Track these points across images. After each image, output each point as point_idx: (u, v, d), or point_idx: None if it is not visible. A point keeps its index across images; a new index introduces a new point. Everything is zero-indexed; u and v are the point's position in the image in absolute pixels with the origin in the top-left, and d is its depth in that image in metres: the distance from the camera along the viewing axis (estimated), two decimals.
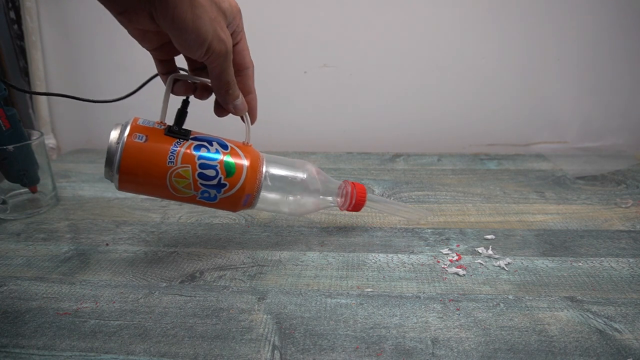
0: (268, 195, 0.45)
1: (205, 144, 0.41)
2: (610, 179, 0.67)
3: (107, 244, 0.50)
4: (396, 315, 0.38)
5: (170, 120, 0.42)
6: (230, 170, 0.41)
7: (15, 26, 0.80)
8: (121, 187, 0.41)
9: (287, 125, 0.85)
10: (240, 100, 0.42)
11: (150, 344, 0.35)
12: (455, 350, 0.34)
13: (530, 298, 0.40)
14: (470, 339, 0.35)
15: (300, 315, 0.39)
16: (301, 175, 0.46)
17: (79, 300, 0.41)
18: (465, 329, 0.37)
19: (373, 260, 0.47)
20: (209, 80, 0.40)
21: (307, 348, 0.35)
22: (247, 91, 0.43)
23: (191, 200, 0.42)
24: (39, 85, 0.82)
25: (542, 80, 0.80)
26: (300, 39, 0.79)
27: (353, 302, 0.40)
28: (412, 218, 0.54)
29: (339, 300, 0.40)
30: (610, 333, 0.36)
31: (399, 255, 0.47)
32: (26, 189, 0.59)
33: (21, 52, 0.81)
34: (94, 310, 0.40)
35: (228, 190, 0.42)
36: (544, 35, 0.77)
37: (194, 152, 0.41)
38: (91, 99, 0.50)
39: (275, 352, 0.34)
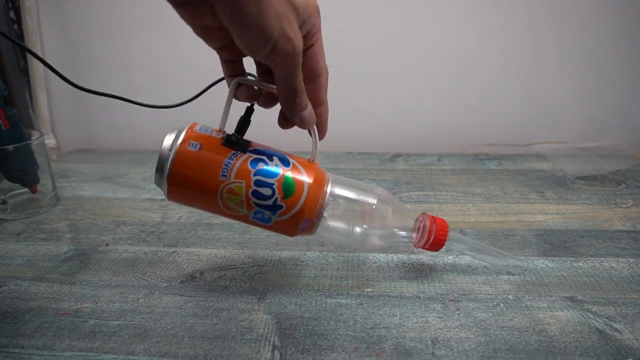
0: (331, 223, 0.39)
1: (265, 158, 0.37)
2: (610, 179, 0.67)
3: (107, 244, 0.50)
4: (396, 315, 0.38)
5: (231, 129, 0.38)
6: (288, 191, 0.36)
7: (15, 26, 0.80)
8: (170, 197, 0.37)
9: None
10: (309, 111, 0.36)
11: (150, 344, 0.35)
12: (455, 350, 0.34)
13: (530, 298, 0.40)
14: (470, 339, 0.35)
15: (300, 315, 0.39)
16: (372, 200, 0.39)
17: (79, 300, 0.41)
18: (465, 329, 0.37)
19: (373, 260, 0.47)
20: (275, 87, 0.35)
21: (307, 348, 0.35)
22: (318, 102, 0.38)
23: (243, 219, 0.38)
24: (38, 85, 0.82)
25: (542, 80, 0.80)
26: None
27: (353, 302, 0.40)
28: (502, 265, 0.45)
29: (339, 300, 0.40)
30: (610, 333, 0.36)
31: (399, 255, 0.47)
32: (26, 189, 0.59)
33: (21, 52, 0.81)
34: (94, 310, 0.39)
35: (284, 213, 0.37)
36: (544, 35, 0.77)
37: (250, 167, 0.36)
38: (148, 104, 0.44)
39: (275, 352, 0.34)
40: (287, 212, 0.37)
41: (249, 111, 0.38)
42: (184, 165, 0.36)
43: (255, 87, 0.38)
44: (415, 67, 0.80)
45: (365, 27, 0.78)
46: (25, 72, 0.82)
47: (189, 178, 0.36)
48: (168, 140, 0.36)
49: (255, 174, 0.36)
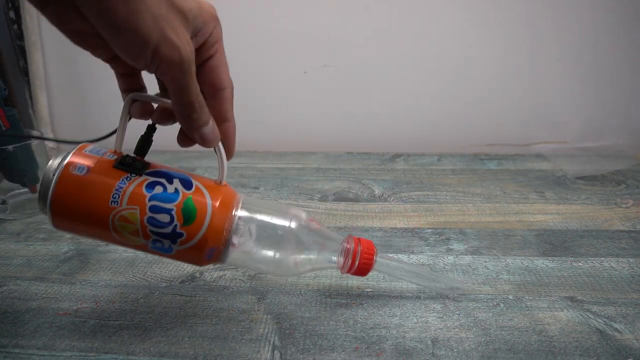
0: (243, 250, 0.35)
1: (163, 180, 0.33)
2: (610, 179, 0.67)
3: (107, 244, 0.50)
4: (396, 315, 0.38)
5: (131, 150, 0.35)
6: (189, 217, 0.32)
7: (15, 26, 0.80)
8: (56, 225, 0.33)
9: (287, 125, 0.85)
10: (210, 128, 0.33)
11: (150, 344, 0.35)
12: (455, 350, 0.34)
13: (530, 298, 0.40)
14: (470, 339, 0.35)
15: (300, 315, 0.39)
16: (287, 224, 0.36)
17: (79, 300, 0.41)
18: (465, 329, 0.37)
19: None
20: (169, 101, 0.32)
21: (307, 348, 0.35)
22: (223, 118, 0.35)
23: (142, 248, 0.34)
24: (38, 85, 0.82)
25: (542, 80, 0.80)
26: (300, 39, 0.79)
27: (353, 302, 0.40)
28: (438, 288, 0.41)
29: (339, 300, 0.40)
30: (610, 333, 0.36)
31: (399, 255, 0.47)
32: (26, 189, 0.59)
33: (21, 52, 0.81)
34: (94, 310, 0.39)
35: (185, 242, 0.33)
36: (545, 35, 0.77)
37: (145, 191, 0.32)
38: (66, 140, 0.42)
39: (275, 352, 0.34)
40: (189, 240, 0.33)
41: (150, 129, 0.35)
42: (68, 191, 0.32)
43: (151, 103, 0.34)
44: (415, 66, 0.80)
45: (365, 26, 0.78)
46: (25, 72, 0.82)
47: (74, 206, 0.32)
48: (52, 164, 0.33)
49: (151, 199, 0.32)
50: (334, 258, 0.38)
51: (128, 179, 0.32)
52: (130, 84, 0.34)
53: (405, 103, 0.82)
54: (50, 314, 0.39)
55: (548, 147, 0.84)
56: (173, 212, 0.32)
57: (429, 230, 0.53)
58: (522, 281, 0.43)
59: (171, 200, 0.32)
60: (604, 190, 0.63)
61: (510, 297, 0.40)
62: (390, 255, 0.40)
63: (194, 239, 0.33)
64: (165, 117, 0.34)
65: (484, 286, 0.42)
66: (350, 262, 0.37)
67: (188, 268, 0.45)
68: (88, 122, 0.89)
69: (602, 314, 0.38)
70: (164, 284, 0.43)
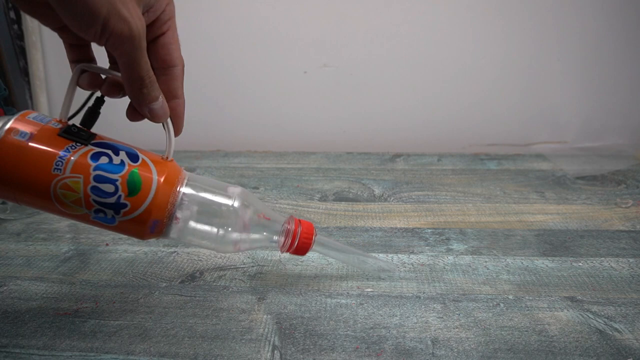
0: (186, 225, 0.36)
1: (109, 152, 0.33)
2: (610, 179, 0.67)
3: (107, 244, 0.50)
4: (396, 315, 0.38)
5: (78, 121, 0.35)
6: (134, 188, 0.33)
7: (15, 26, 0.80)
8: None
9: (287, 125, 0.85)
10: (159, 104, 0.33)
11: (150, 344, 0.35)
12: (455, 350, 0.34)
13: (530, 298, 0.40)
14: (470, 339, 0.35)
15: (300, 315, 0.39)
16: (229, 202, 0.37)
17: (79, 300, 0.41)
18: (465, 329, 0.37)
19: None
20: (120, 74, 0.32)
21: (307, 348, 0.35)
22: (172, 95, 0.35)
23: (83, 219, 0.34)
24: (38, 85, 0.82)
25: (542, 80, 0.80)
26: (300, 39, 0.79)
27: (353, 302, 0.40)
28: (370, 269, 0.44)
29: (339, 300, 0.40)
30: (610, 333, 0.36)
31: (399, 255, 0.47)
32: None
33: (21, 52, 0.81)
34: (94, 310, 0.40)
35: (129, 213, 0.33)
36: (545, 35, 0.77)
37: (90, 161, 0.32)
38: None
39: (275, 352, 0.35)
40: (132, 211, 0.33)
41: (99, 102, 0.35)
42: (8, 156, 0.31)
43: (100, 75, 0.34)
44: (415, 66, 0.80)
45: (366, 27, 0.78)
46: (25, 72, 0.82)
47: (15, 171, 0.31)
48: None
49: (95, 169, 0.32)
50: (275, 238, 0.40)
51: (73, 147, 0.32)
52: (79, 55, 0.34)
53: (405, 103, 0.82)
54: (50, 314, 0.39)
55: (548, 147, 0.84)
56: (118, 183, 0.32)
57: (429, 230, 0.53)
58: (522, 281, 0.43)
59: (117, 171, 0.33)
60: (604, 190, 0.63)
61: (510, 297, 0.40)
62: (330, 244, 0.42)
63: (138, 210, 0.33)
64: (115, 90, 0.34)
65: (484, 286, 0.42)
66: (290, 241, 0.39)
67: (188, 268, 0.45)
68: None
69: (602, 314, 0.38)
70: (164, 284, 0.43)
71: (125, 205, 0.33)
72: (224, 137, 0.85)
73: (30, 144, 0.31)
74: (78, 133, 0.33)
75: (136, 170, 0.33)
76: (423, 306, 0.39)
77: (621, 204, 0.59)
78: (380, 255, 0.47)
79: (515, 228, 0.53)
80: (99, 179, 0.32)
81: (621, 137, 0.83)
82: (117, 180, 0.32)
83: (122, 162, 0.33)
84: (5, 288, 0.43)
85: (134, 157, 0.34)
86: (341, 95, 0.83)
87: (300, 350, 0.35)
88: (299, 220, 0.40)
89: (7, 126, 0.31)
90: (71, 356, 0.34)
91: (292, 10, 0.78)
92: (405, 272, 0.45)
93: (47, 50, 0.82)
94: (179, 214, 0.35)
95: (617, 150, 0.81)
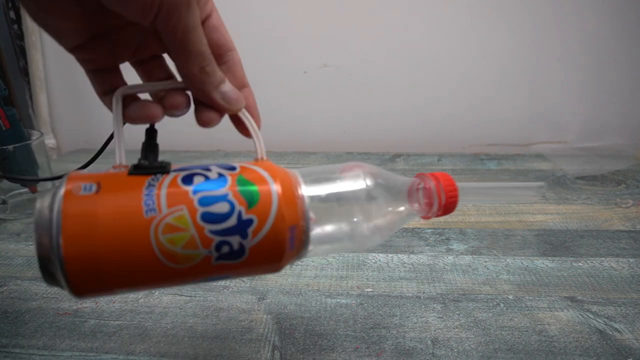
0: (325, 224, 0.29)
1: (199, 171, 0.26)
2: (610, 179, 0.67)
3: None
4: (396, 315, 0.38)
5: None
6: (251, 196, 0.25)
7: (15, 26, 0.80)
8: (81, 289, 0.24)
9: (287, 125, 0.85)
10: (230, 86, 0.27)
11: (150, 344, 0.35)
12: (455, 350, 0.34)
13: (530, 298, 0.40)
14: (470, 339, 0.35)
15: (300, 315, 0.39)
16: (362, 183, 0.29)
17: (79, 300, 0.41)
18: (465, 329, 0.37)
19: (373, 260, 0.47)
20: (171, 83, 0.27)
21: (307, 348, 0.35)
22: (240, 83, 0.29)
23: (203, 271, 0.25)
24: (38, 85, 0.82)
25: (542, 80, 0.80)
26: (300, 39, 0.79)
27: (353, 302, 0.40)
28: (521, 195, 0.34)
29: (339, 300, 0.40)
30: (610, 333, 0.36)
31: (399, 255, 0.47)
32: (26, 189, 0.59)
33: (21, 52, 0.81)
34: (94, 310, 0.40)
35: (259, 230, 0.25)
36: (545, 35, 0.77)
37: (185, 186, 0.24)
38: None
39: (275, 352, 0.34)
40: (262, 225, 0.25)
41: (151, 133, 0.28)
42: (80, 217, 0.22)
43: (150, 96, 0.28)
44: (416, 67, 0.80)
45: (366, 27, 0.78)
46: (25, 72, 0.82)
47: (96, 235, 0.22)
48: (44, 202, 0.23)
49: (196, 191, 0.24)
50: (416, 205, 0.32)
51: (155, 180, 0.25)
52: (110, 82, 0.28)
53: (405, 103, 0.82)
54: (50, 314, 0.39)
55: (548, 147, 0.84)
56: (230, 197, 0.25)
57: (429, 230, 0.53)
58: (522, 281, 0.43)
59: (221, 186, 0.25)
60: (604, 190, 0.63)
61: (510, 297, 0.40)
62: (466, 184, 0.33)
63: (268, 221, 0.25)
64: (176, 101, 0.27)
65: (484, 286, 0.42)
66: (437, 203, 0.30)
67: None
68: (88, 122, 0.89)
69: (602, 314, 0.38)
70: None
71: (250, 222, 0.25)
72: (224, 137, 0.85)
73: (102, 194, 0.23)
74: (151, 165, 0.26)
75: (243, 177, 0.26)
76: (423, 306, 0.39)
77: (621, 204, 0.59)
78: (380, 255, 0.47)
79: (515, 228, 0.53)
80: (205, 201, 0.24)
81: (621, 137, 0.83)
82: (227, 194, 0.25)
83: (221, 175, 0.26)
84: (5, 288, 0.43)
85: (228, 167, 0.26)
86: (341, 95, 0.83)
87: (300, 350, 0.35)
88: (434, 175, 0.31)
89: (64, 187, 0.23)
90: (71, 356, 0.34)
91: (292, 10, 0.78)
92: (405, 272, 0.45)
93: (47, 50, 0.82)
94: (311, 214, 0.27)
95: (617, 150, 0.81)
